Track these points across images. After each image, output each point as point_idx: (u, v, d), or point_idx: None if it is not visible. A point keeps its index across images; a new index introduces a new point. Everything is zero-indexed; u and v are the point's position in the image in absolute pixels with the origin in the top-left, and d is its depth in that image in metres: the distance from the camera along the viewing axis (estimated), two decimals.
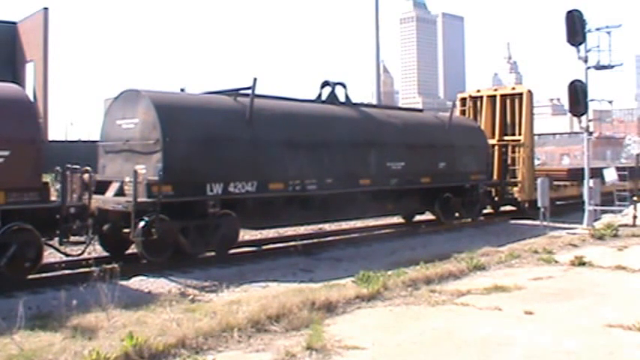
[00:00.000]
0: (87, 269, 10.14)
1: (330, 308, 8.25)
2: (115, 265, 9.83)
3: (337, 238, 16.15)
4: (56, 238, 10.50)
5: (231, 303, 8.32)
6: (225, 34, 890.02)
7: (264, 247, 14.76)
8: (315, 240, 15.97)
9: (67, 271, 11.30)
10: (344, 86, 16.53)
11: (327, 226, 17.99)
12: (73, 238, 10.62)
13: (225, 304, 8.41)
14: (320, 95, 16.39)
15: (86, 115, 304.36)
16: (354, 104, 16.72)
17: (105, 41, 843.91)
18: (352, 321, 7.91)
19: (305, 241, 15.01)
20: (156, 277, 10.91)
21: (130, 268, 11.03)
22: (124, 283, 10.19)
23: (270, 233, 16.49)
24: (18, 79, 45.98)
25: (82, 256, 11.48)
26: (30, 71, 47.55)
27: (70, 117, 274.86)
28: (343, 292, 8.95)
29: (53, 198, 10.48)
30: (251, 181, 12.92)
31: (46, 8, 44.65)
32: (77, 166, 10.88)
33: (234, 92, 13.95)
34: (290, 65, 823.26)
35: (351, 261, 13.12)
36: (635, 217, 18.22)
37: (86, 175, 10.78)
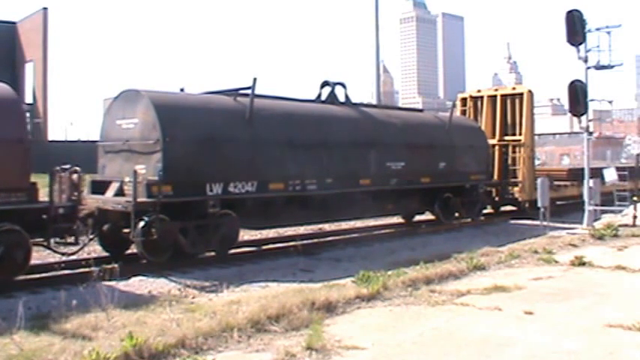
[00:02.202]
0: (86, 269, 10.16)
1: (329, 308, 8.24)
2: (115, 265, 9.84)
3: (337, 238, 16.13)
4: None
5: (231, 303, 8.31)
6: (225, 34, 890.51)
7: (264, 247, 14.75)
8: (315, 240, 15.96)
9: (66, 271, 11.27)
10: (344, 86, 16.53)
11: (327, 226, 17.97)
12: (70, 239, 10.55)
13: (225, 304, 8.40)
14: (320, 95, 16.38)
15: (86, 115, 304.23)
16: (354, 104, 16.71)
17: (105, 41, 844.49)
18: (352, 321, 7.90)
19: (305, 241, 14.99)
20: (155, 277, 10.89)
21: (130, 268, 11.03)
22: (123, 283, 10.20)
23: (270, 233, 16.48)
24: (18, 79, 46.04)
25: (81, 256, 11.47)
26: (30, 71, 47.62)
27: (70, 117, 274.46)
28: (343, 292, 8.95)
29: (46, 198, 10.35)
30: (251, 181, 12.92)
31: (45, 8, 44.69)
32: (67, 166, 10.79)
33: (234, 92, 13.95)
34: (290, 65, 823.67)
35: (351, 261, 13.11)
36: (635, 217, 18.21)
37: (75, 176, 10.68)
